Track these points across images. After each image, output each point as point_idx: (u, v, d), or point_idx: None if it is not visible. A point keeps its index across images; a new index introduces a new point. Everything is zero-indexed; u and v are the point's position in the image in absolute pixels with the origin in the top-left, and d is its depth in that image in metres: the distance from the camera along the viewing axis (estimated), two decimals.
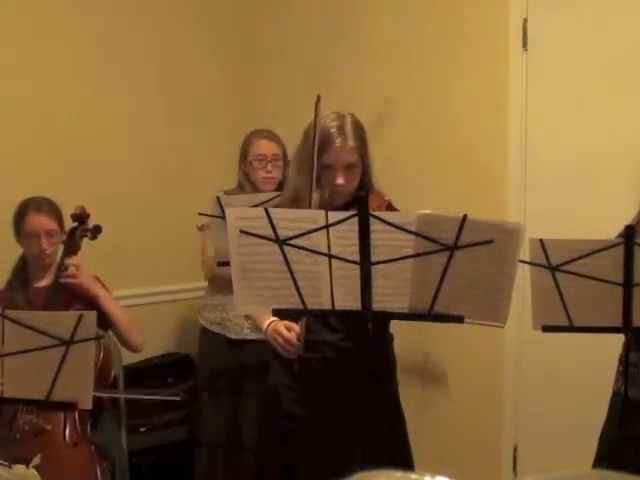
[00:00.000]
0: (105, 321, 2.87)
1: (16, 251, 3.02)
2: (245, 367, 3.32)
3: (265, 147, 3.29)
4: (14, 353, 2.13)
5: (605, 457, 2.53)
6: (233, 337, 3.34)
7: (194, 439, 3.52)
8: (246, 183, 3.32)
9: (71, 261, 2.94)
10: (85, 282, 2.93)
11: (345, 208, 2.30)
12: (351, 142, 2.34)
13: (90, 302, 2.91)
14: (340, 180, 2.34)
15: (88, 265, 3.00)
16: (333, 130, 2.33)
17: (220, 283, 3.23)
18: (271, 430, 2.53)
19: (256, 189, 3.25)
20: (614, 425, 2.55)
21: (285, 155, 3.31)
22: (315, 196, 2.34)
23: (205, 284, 3.47)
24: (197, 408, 3.49)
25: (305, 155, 2.37)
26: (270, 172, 3.27)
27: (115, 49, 3.77)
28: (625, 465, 2.21)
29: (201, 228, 3.31)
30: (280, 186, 3.24)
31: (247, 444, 3.31)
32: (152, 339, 3.89)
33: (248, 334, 3.31)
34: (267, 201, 2.57)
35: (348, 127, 2.35)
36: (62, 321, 2.14)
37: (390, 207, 2.40)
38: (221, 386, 3.37)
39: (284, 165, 3.28)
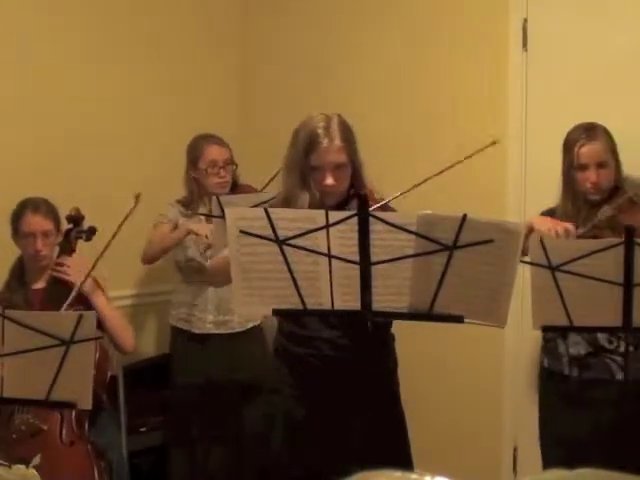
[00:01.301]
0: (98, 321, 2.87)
1: (15, 252, 3.02)
2: (211, 361, 3.37)
3: (216, 153, 3.35)
4: (14, 353, 2.13)
5: (544, 430, 2.79)
6: (197, 332, 3.39)
7: (168, 438, 3.54)
8: (198, 189, 3.36)
9: (66, 261, 2.95)
10: (75, 278, 2.90)
11: (337, 208, 2.30)
12: (337, 142, 2.34)
13: (87, 301, 2.90)
14: (329, 180, 2.34)
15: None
16: (320, 131, 2.33)
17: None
18: (273, 429, 2.53)
19: (209, 195, 3.25)
20: (543, 399, 2.81)
21: (232, 157, 3.40)
22: (305, 197, 2.35)
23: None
24: (172, 406, 3.51)
25: (295, 155, 2.38)
26: (224, 177, 3.34)
27: (113, 50, 3.76)
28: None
29: (155, 226, 3.42)
30: (233, 189, 3.38)
31: (221, 437, 3.36)
32: (151, 339, 3.91)
33: (210, 328, 3.38)
34: (267, 201, 2.58)
35: (334, 127, 2.35)
36: (62, 321, 2.14)
37: (382, 205, 2.40)
38: (191, 382, 3.39)
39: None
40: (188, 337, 3.41)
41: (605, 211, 2.56)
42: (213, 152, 3.34)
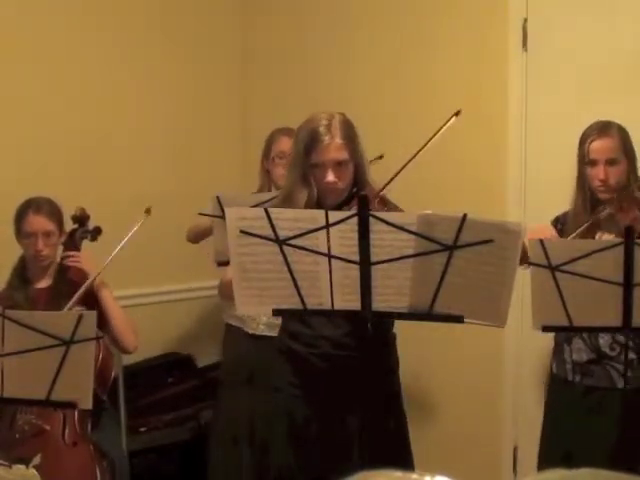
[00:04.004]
0: (102, 319, 2.86)
1: (17, 251, 3.02)
2: (261, 362, 3.33)
3: (286, 143, 3.27)
4: (14, 353, 2.13)
5: (545, 434, 2.76)
6: (250, 332, 3.37)
7: (209, 433, 3.53)
8: (267, 181, 3.35)
9: (76, 253, 2.96)
10: (87, 267, 2.91)
11: (338, 208, 2.30)
12: (338, 139, 2.34)
13: (90, 299, 2.90)
14: (330, 177, 2.33)
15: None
16: (321, 129, 2.33)
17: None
18: (274, 428, 2.53)
19: (277, 186, 3.24)
20: (548, 403, 2.80)
21: None
22: (303, 195, 2.35)
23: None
24: (216, 402, 3.50)
25: (297, 153, 2.38)
26: None
27: (116, 50, 3.77)
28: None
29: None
30: None
31: (261, 439, 3.35)
32: (152, 339, 3.90)
33: (263, 330, 3.34)
34: (267, 201, 2.58)
35: (335, 125, 2.35)
36: (62, 321, 2.15)
37: (382, 201, 2.40)
38: (239, 379, 3.38)
39: None
40: (241, 336, 3.38)
41: (604, 209, 2.54)
42: (283, 142, 3.28)
